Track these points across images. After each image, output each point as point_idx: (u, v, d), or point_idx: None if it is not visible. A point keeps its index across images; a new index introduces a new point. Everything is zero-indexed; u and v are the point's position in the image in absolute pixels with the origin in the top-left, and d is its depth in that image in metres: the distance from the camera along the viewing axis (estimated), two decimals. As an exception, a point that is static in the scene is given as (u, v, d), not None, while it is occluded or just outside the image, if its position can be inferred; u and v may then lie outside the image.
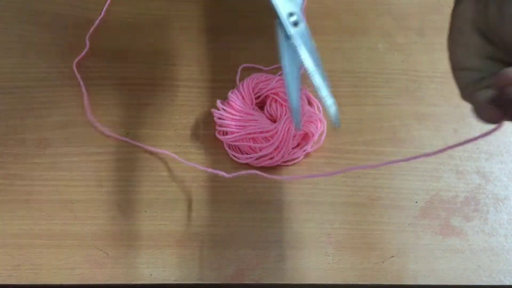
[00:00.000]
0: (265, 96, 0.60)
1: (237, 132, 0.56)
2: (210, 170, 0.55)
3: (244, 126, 0.57)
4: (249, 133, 0.56)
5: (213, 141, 0.59)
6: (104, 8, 0.68)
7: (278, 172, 0.58)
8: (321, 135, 0.59)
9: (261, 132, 0.56)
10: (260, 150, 0.56)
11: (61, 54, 0.64)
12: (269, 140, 0.56)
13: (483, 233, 0.55)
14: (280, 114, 0.58)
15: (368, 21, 0.68)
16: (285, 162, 0.58)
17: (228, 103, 0.58)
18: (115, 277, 0.52)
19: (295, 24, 0.44)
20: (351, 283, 0.52)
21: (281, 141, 0.56)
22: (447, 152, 0.59)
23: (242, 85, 0.59)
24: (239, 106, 0.57)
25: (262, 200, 0.56)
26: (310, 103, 0.61)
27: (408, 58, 0.65)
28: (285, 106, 0.59)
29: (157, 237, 0.54)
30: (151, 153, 0.58)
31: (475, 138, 0.41)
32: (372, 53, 0.65)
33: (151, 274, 0.52)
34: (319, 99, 0.61)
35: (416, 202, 0.56)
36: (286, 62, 0.43)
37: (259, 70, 0.64)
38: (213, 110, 0.59)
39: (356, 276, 0.52)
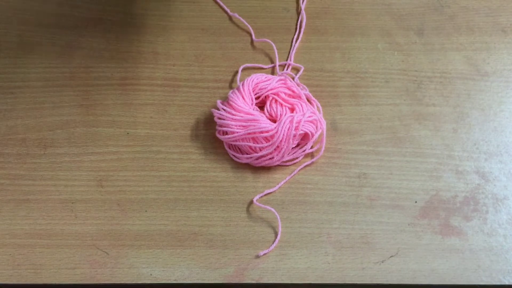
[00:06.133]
0: (265, 96, 0.60)
1: (237, 132, 0.56)
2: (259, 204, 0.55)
3: (244, 126, 0.57)
4: (249, 133, 0.56)
5: (213, 141, 0.59)
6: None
7: (278, 172, 0.58)
8: (321, 135, 0.59)
9: (261, 132, 0.56)
10: (260, 150, 0.56)
11: (61, 54, 0.64)
12: (269, 140, 0.56)
13: (482, 233, 0.55)
14: (280, 114, 0.58)
15: (368, 21, 0.68)
16: (285, 162, 0.58)
17: (228, 103, 0.58)
18: (115, 277, 0.52)
19: None
20: (350, 282, 0.52)
21: (281, 141, 0.56)
22: (447, 152, 0.59)
23: (242, 85, 0.59)
24: (239, 106, 0.57)
25: (263, 200, 0.56)
26: (310, 103, 0.61)
27: (408, 58, 0.65)
28: (285, 106, 0.59)
29: (157, 237, 0.54)
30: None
31: None
32: (372, 53, 0.65)
33: (151, 274, 0.52)
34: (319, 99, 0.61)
35: (416, 202, 0.56)
36: None
37: (259, 70, 0.64)
38: (213, 110, 0.59)
39: (356, 275, 0.52)
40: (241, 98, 0.58)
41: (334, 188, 0.57)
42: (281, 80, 0.60)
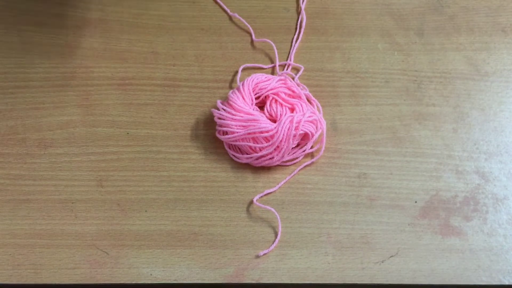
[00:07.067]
0: (265, 96, 0.60)
1: (237, 132, 0.56)
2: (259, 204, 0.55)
3: (244, 126, 0.57)
4: (249, 133, 0.56)
5: (213, 141, 0.59)
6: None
7: (278, 172, 0.58)
8: (321, 135, 0.59)
9: (261, 132, 0.56)
10: (260, 150, 0.56)
11: (61, 54, 0.64)
12: (269, 140, 0.56)
13: (482, 233, 0.55)
14: (280, 114, 0.58)
15: (368, 21, 0.68)
16: (285, 162, 0.58)
17: (228, 103, 0.58)
18: (115, 277, 0.52)
19: None
20: (350, 282, 0.52)
21: (281, 141, 0.56)
22: (447, 152, 0.59)
23: (242, 85, 0.59)
24: (239, 106, 0.57)
25: (263, 200, 0.56)
26: (310, 103, 0.61)
27: (408, 58, 0.65)
28: (285, 106, 0.59)
29: (157, 237, 0.54)
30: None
31: None
32: (372, 53, 0.65)
33: (151, 274, 0.52)
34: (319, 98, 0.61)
35: (416, 202, 0.56)
36: None
37: (259, 70, 0.64)
38: (213, 110, 0.59)
39: (355, 275, 0.52)
40: (241, 98, 0.58)
41: (334, 188, 0.57)
42: (281, 80, 0.60)
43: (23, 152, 0.58)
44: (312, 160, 0.58)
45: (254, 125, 0.56)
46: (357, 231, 0.55)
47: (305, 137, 0.58)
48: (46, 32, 0.66)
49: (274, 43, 0.65)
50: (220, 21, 0.68)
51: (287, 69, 0.64)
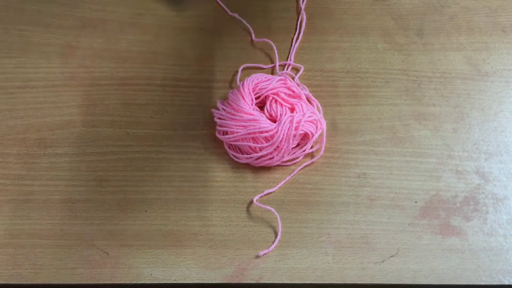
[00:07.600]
0: (265, 96, 0.60)
1: (237, 132, 0.56)
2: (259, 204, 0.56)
3: (244, 126, 0.57)
4: (249, 133, 0.56)
5: (213, 141, 0.59)
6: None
7: (278, 172, 0.58)
8: (321, 135, 0.59)
9: (261, 132, 0.56)
10: (260, 150, 0.56)
11: (61, 54, 0.64)
12: (269, 140, 0.56)
13: (482, 233, 0.55)
14: (280, 114, 0.58)
15: (368, 21, 0.68)
16: (285, 162, 0.58)
17: (228, 103, 0.58)
18: (115, 277, 0.52)
19: None
20: (350, 282, 0.52)
21: (281, 141, 0.56)
22: (447, 152, 0.59)
23: (242, 85, 0.59)
24: (239, 106, 0.57)
25: (263, 200, 0.56)
26: (310, 103, 0.61)
27: (408, 58, 0.65)
28: (285, 106, 0.59)
29: (157, 237, 0.54)
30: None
31: None
32: (372, 53, 0.65)
33: (151, 274, 0.52)
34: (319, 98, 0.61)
35: (416, 202, 0.56)
36: None
37: (259, 70, 0.64)
38: (213, 110, 0.59)
39: (355, 276, 0.52)
40: (241, 98, 0.58)
41: (334, 188, 0.57)
42: (281, 80, 0.60)
43: (23, 152, 0.58)
44: (312, 160, 0.58)
45: (254, 125, 0.56)
46: (357, 231, 0.55)
47: (305, 137, 0.58)
48: (46, 32, 0.66)
49: (274, 43, 0.65)
50: (220, 21, 0.68)
51: (287, 69, 0.64)
